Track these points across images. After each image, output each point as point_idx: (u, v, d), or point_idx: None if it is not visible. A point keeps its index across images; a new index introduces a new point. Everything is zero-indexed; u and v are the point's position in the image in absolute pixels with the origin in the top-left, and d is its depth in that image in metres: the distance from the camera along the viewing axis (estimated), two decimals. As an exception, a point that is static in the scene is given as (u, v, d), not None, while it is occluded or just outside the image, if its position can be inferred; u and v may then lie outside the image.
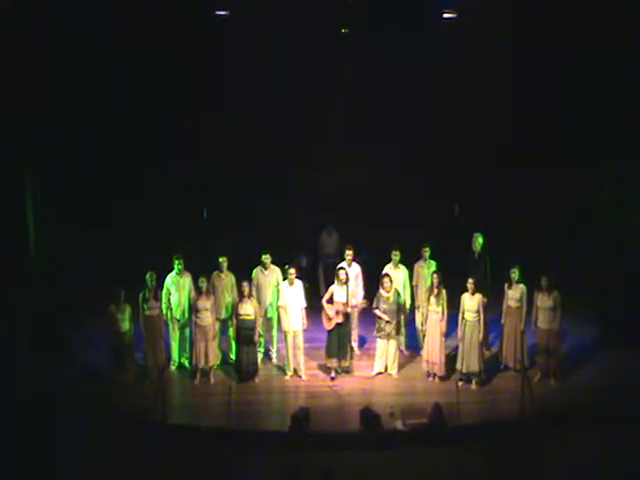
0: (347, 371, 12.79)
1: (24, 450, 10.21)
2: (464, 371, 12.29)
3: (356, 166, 16.29)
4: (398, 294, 12.69)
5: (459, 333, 12.31)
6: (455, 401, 11.29)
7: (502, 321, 12.68)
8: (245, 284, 12.47)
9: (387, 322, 12.53)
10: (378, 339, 12.71)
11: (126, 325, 12.32)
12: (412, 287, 13.42)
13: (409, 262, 13.40)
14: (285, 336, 12.74)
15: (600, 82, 13.24)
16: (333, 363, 12.62)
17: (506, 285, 12.57)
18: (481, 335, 12.21)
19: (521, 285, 12.47)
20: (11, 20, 12.14)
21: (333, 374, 12.65)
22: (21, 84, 12.37)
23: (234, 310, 12.58)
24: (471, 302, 12.21)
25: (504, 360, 12.70)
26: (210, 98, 15.86)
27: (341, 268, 12.79)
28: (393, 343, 12.69)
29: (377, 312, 12.59)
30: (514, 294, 12.49)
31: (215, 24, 15.09)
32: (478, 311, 12.19)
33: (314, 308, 12.98)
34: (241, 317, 12.41)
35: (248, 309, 12.41)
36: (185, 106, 15.66)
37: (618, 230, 13.62)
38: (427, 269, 13.16)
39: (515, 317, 12.52)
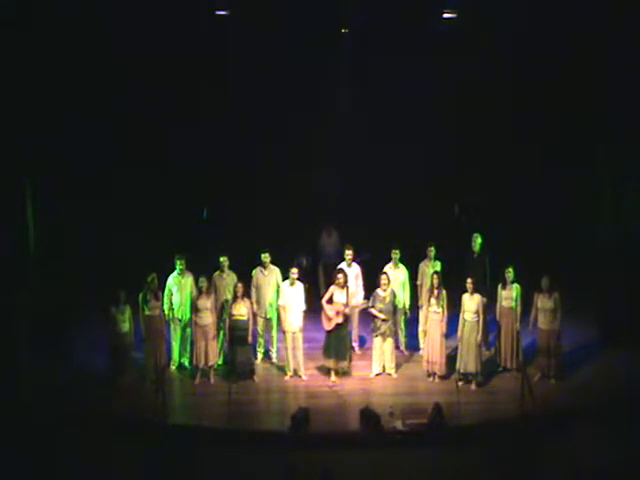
0: (345, 373, 12.77)
1: (24, 450, 10.21)
2: (462, 371, 12.30)
3: (356, 166, 16.30)
4: (394, 295, 12.70)
5: (458, 333, 12.32)
6: (455, 401, 11.30)
7: (497, 318, 12.68)
8: (239, 285, 12.46)
9: (383, 321, 12.54)
10: (375, 339, 12.72)
11: (126, 326, 12.31)
12: (415, 286, 13.42)
13: (410, 262, 13.39)
14: (284, 336, 12.74)
15: (601, 81, 13.24)
16: (331, 364, 12.62)
17: (500, 285, 12.58)
18: (479, 336, 12.21)
19: (515, 285, 12.47)
20: (12, 21, 12.15)
21: (333, 377, 12.60)
22: (21, 84, 12.36)
23: (228, 310, 12.57)
24: (470, 302, 12.21)
25: (502, 361, 12.70)
26: (210, 98, 15.86)
27: (340, 270, 12.78)
28: (389, 343, 12.68)
29: (373, 311, 12.60)
30: (508, 294, 12.49)
31: (215, 24, 15.09)
32: (477, 312, 12.19)
33: (314, 308, 12.98)
34: (234, 317, 12.40)
35: (241, 309, 12.39)
36: (185, 106, 15.67)
37: (618, 230, 13.62)
38: (432, 268, 13.14)
39: (510, 317, 12.53)
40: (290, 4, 14.77)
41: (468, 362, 12.22)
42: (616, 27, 12.91)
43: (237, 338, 12.41)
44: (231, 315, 12.43)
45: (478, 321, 12.20)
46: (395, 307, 12.77)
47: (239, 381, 12.43)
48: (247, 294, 12.64)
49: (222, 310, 12.81)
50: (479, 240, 13.34)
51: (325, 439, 10.81)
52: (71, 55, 13.38)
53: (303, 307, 12.65)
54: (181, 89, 15.50)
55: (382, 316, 12.53)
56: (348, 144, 16.31)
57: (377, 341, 12.69)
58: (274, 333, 13.27)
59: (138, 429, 10.84)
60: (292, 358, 12.69)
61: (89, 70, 14.01)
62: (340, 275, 12.58)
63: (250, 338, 12.53)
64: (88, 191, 14.90)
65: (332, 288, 12.62)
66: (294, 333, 12.60)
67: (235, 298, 12.44)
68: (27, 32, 12.43)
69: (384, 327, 12.57)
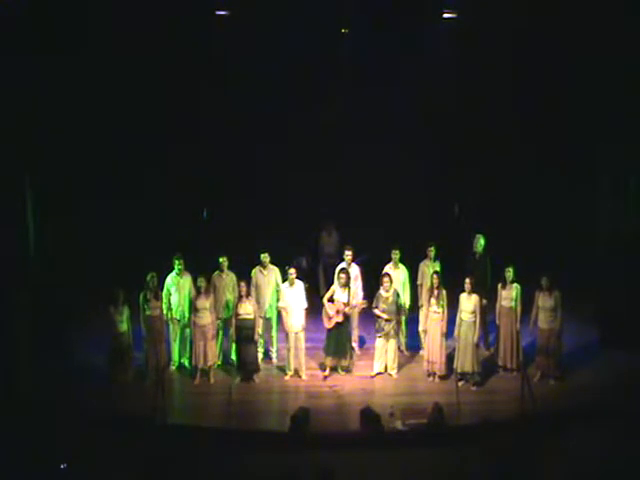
0: (347, 370, 12.81)
1: (24, 450, 10.21)
2: (459, 371, 12.32)
3: (355, 166, 16.30)
4: (398, 295, 12.71)
5: (455, 333, 12.35)
6: (455, 401, 11.30)
7: (497, 322, 12.70)
8: (242, 284, 12.48)
9: (386, 321, 12.55)
10: (377, 338, 12.73)
11: (124, 326, 12.33)
12: (415, 286, 13.42)
13: (410, 262, 13.39)
14: (287, 336, 12.74)
15: (600, 79, 13.22)
16: (328, 361, 12.66)
17: (500, 285, 12.58)
18: (476, 336, 12.20)
19: (515, 284, 12.49)
20: (13, 22, 12.15)
21: (327, 372, 12.69)
22: (21, 84, 12.36)
23: (234, 310, 12.58)
24: (467, 302, 12.22)
25: (502, 361, 12.70)
26: (210, 97, 15.86)
27: (342, 270, 12.80)
28: (392, 343, 12.71)
29: (376, 311, 12.61)
30: (508, 294, 12.50)
31: (215, 24, 15.10)
32: (474, 311, 12.20)
33: (314, 308, 12.98)
34: (241, 317, 12.41)
35: (248, 308, 12.42)
36: (185, 105, 15.66)
37: (618, 230, 13.60)
38: (432, 268, 13.14)
39: (510, 317, 12.54)
40: (290, 4, 14.79)
41: (465, 362, 12.24)
42: (615, 26, 12.91)
43: (245, 337, 12.42)
44: (237, 315, 12.44)
45: (475, 321, 12.22)
46: (398, 307, 12.77)
47: (247, 380, 12.48)
48: (249, 293, 12.65)
49: (224, 310, 12.83)
50: (482, 241, 13.35)
51: (325, 439, 10.80)
52: (70, 55, 13.35)
53: (305, 305, 12.66)
54: (181, 89, 15.49)
55: (385, 316, 12.54)
56: (348, 144, 16.30)
57: (380, 341, 12.70)
58: (274, 333, 13.27)
59: (138, 429, 10.83)
60: (294, 358, 12.70)
61: (88, 70, 13.99)
62: (343, 275, 12.61)
63: (257, 337, 12.56)
64: (88, 191, 14.90)
65: (334, 287, 12.65)
66: (297, 333, 12.63)
67: (240, 297, 12.45)
68: (26, 31, 12.42)
69: (387, 327, 12.58)
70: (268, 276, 13.01)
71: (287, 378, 12.76)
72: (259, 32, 15.23)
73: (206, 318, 12.47)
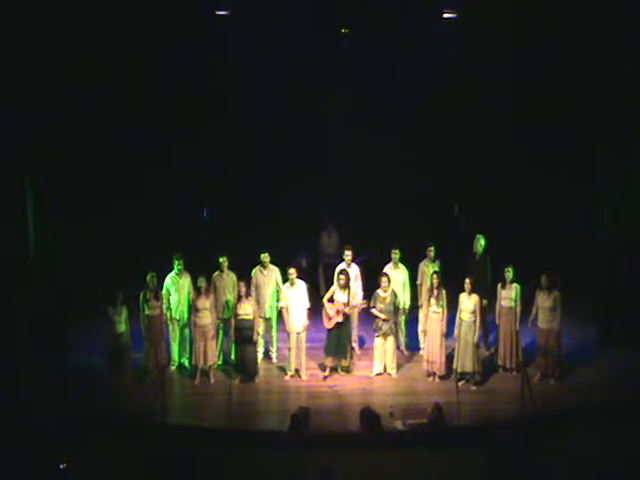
0: (347, 371, 12.82)
1: (24, 450, 10.21)
2: (459, 371, 12.31)
3: (356, 165, 16.30)
4: (395, 295, 12.71)
5: (455, 333, 12.34)
6: (455, 401, 11.30)
7: (497, 322, 12.70)
8: (242, 284, 12.49)
9: (384, 321, 12.55)
10: (376, 339, 12.74)
11: (122, 327, 12.33)
12: (416, 286, 13.43)
13: (410, 262, 13.38)
14: (288, 336, 12.74)
15: (600, 74, 13.21)
16: (329, 362, 12.66)
17: (499, 285, 12.59)
18: (476, 336, 12.21)
19: (515, 284, 12.49)
20: (12, 20, 12.15)
21: (327, 372, 12.70)
22: (21, 84, 12.36)
23: (233, 310, 12.58)
24: (468, 302, 12.23)
25: (501, 361, 12.70)
26: (210, 97, 15.87)
27: (342, 271, 12.79)
28: (391, 342, 12.70)
29: (374, 311, 12.62)
30: (508, 294, 12.50)
31: (215, 24, 15.10)
32: (474, 312, 12.20)
33: (314, 308, 12.98)
34: (240, 317, 12.41)
35: (247, 309, 12.41)
36: (185, 105, 15.66)
37: (618, 230, 13.60)
38: (432, 268, 13.14)
39: (509, 317, 12.54)
40: (290, 4, 14.80)
41: (465, 362, 12.24)
42: (613, 28, 12.92)
43: (244, 337, 12.42)
44: (237, 315, 12.43)
45: (475, 321, 12.22)
46: (396, 307, 12.78)
47: (248, 380, 12.48)
48: (248, 294, 12.65)
49: (224, 310, 12.83)
50: (482, 241, 13.35)
51: (325, 439, 10.80)
52: (71, 55, 13.35)
53: (307, 305, 12.66)
54: (181, 89, 15.49)
55: (382, 316, 12.55)
56: (348, 144, 16.30)
57: (378, 341, 12.71)
58: (274, 333, 13.28)
59: (138, 429, 10.83)
60: (295, 358, 12.70)
61: (88, 70, 13.98)
62: (342, 276, 12.61)
63: (256, 337, 12.55)
64: (88, 191, 14.89)
65: (334, 288, 12.65)
66: (298, 333, 12.63)
67: (240, 298, 12.45)
68: (26, 29, 12.42)
69: (385, 327, 12.58)
70: (268, 276, 13.00)
71: (287, 378, 12.75)
72: (259, 32, 15.23)
73: (206, 318, 12.47)
